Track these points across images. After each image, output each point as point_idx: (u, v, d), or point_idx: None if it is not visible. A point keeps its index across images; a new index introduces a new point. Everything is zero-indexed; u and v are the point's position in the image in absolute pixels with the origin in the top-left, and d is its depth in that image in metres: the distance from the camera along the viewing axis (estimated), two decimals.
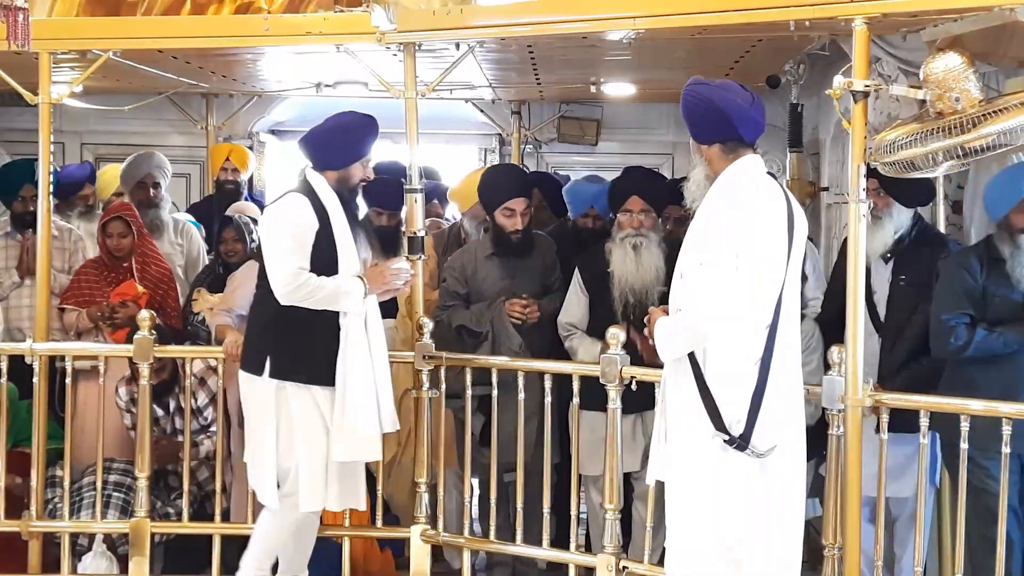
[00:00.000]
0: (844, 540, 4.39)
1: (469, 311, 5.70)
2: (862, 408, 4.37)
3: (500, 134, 9.28)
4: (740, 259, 3.92)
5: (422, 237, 5.55)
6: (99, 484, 5.56)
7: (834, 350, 4.45)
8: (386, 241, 5.78)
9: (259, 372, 4.88)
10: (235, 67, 7.33)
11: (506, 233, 5.73)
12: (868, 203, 4.31)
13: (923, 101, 4.28)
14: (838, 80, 4.22)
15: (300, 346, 4.85)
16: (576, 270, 5.66)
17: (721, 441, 3.97)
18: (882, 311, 5.09)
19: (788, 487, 4.10)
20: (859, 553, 4.36)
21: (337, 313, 4.86)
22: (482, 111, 9.08)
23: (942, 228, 5.51)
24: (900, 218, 5.04)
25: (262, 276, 4.96)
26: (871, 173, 4.48)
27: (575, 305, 5.61)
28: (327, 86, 8.09)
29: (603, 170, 9.14)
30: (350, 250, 4.93)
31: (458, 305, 5.76)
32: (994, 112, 3.98)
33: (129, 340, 5.60)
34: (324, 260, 4.86)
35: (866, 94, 4.23)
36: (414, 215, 5.52)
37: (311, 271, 4.82)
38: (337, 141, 5.04)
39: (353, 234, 4.99)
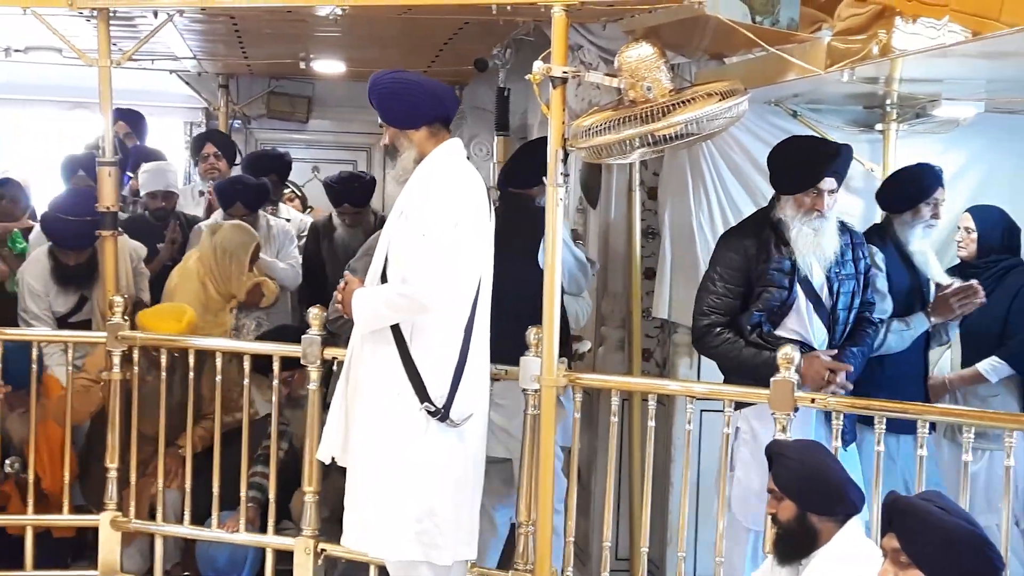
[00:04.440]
0: (537, 518, 4.47)
1: None
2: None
3: (207, 108, 9.00)
4: (456, 232, 4.04)
5: (115, 212, 5.31)
6: None
7: (531, 331, 4.53)
8: None
9: None
10: None
11: None
12: (564, 188, 4.38)
13: (619, 89, 4.40)
14: (538, 65, 4.27)
15: None
16: None
17: (426, 413, 4.05)
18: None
19: (478, 456, 4.27)
20: (551, 531, 4.45)
21: None
22: (188, 84, 8.77)
23: (637, 215, 5.70)
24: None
25: None
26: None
27: None
28: (17, 51, 7.62)
29: (314, 148, 9.11)
30: None
31: None
32: (683, 102, 4.10)
33: None
34: None
35: (564, 80, 4.30)
36: (107, 189, 5.27)
37: None
38: None
39: None
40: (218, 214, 6.68)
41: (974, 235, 5.24)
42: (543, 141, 5.02)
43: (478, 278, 4.18)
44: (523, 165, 5.43)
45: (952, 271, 5.27)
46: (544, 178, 5.11)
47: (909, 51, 3.65)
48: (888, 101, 5.18)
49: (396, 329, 4.10)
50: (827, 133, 5.43)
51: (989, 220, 5.26)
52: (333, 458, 4.35)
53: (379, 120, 4.28)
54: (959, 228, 5.32)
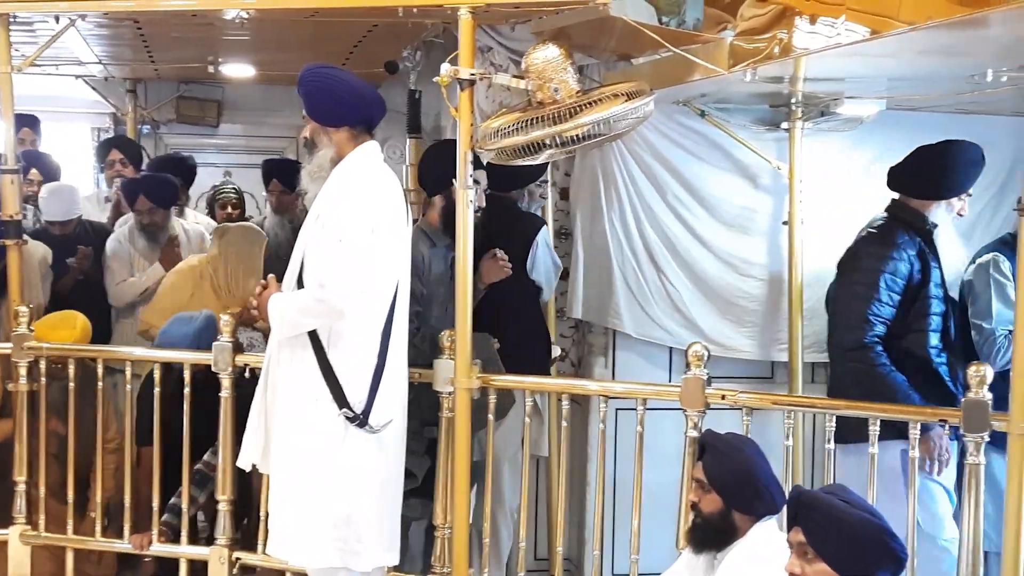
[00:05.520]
0: (453, 520, 4.47)
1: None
2: None
3: (115, 113, 8.86)
4: (373, 237, 4.01)
5: (18, 221, 5.22)
6: None
7: (445, 334, 4.52)
8: None
9: None
10: None
11: None
12: (475, 190, 4.38)
13: (528, 91, 4.41)
14: (445, 68, 4.26)
15: None
16: None
17: (344, 419, 4.02)
18: None
19: (398, 462, 4.24)
20: (467, 532, 4.45)
21: None
22: (95, 89, 8.62)
23: (550, 215, 5.72)
24: None
25: None
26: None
27: None
28: None
29: (226, 152, 9.00)
30: None
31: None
32: (590, 103, 4.12)
33: None
34: None
35: (472, 82, 4.30)
36: (10, 198, 5.17)
37: None
38: None
39: None
40: (126, 217, 6.61)
41: None
42: None
43: (395, 283, 4.15)
44: (502, 167, 5.30)
45: None
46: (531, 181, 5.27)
47: (810, 51, 3.70)
48: (793, 100, 5.25)
49: (313, 335, 4.07)
50: (735, 132, 5.50)
51: None
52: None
53: (303, 111, 4.24)
54: None
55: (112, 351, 5.26)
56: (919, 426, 3.95)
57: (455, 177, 4.71)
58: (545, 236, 5.32)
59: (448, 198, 4.87)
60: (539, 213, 5.57)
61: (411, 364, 4.45)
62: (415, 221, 4.95)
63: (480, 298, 4.93)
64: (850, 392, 4.55)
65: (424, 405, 4.61)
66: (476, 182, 4.83)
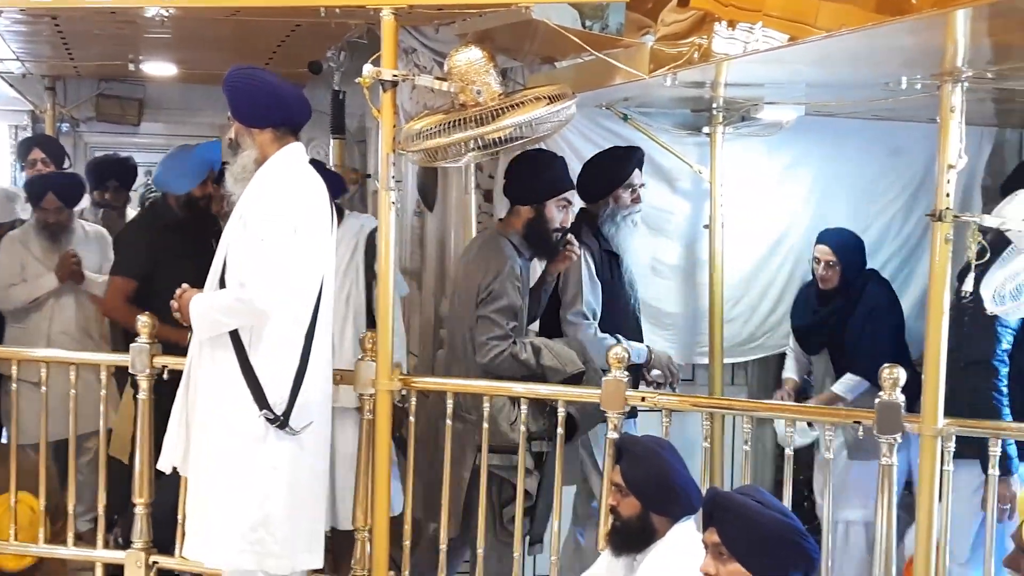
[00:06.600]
0: (373, 523, 4.46)
1: (564, 352, 4.76)
2: None
3: (33, 111, 8.69)
4: (296, 238, 4.00)
5: None
6: None
7: (367, 335, 4.51)
8: None
9: None
10: None
11: (551, 229, 4.86)
12: (396, 191, 4.37)
13: (451, 92, 4.41)
14: (367, 69, 4.25)
15: None
16: None
17: (264, 420, 4.00)
18: None
19: (319, 464, 4.23)
20: (388, 536, 4.44)
21: None
22: (12, 86, 8.45)
23: (474, 218, 5.71)
24: None
25: None
26: None
27: None
28: None
29: (148, 151, 8.88)
30: None
31: (524, 340, 4.79)
32: (512, 106, 4.15)
33: None
34: None
35: (395, 83, 4.28)
36: None
37: None
38: None
39: None
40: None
41: (837, 268, 5.31)
42: (608, 153, 5.09)
43: (319, 284, 4.14)
44: (592, 178, 5.14)
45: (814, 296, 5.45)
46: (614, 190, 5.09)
47: (729, 56, 3.74)
48: (714, 105, 5.31)
49: (235, 335, 4.05)
50: (656, 136, 5.55)
51: (847, 248, 5.34)
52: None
53: (228, 113, 4.23)
54: (817, 260, 5.39)
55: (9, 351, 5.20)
56: (837, 430, 4.01)
57: (547, 192, 4.80)
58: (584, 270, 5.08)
59: (537, 211, 4.83)
60: (632, 223, 5.19)
61: (515, 376, 4.57)
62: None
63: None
64: (962, 411, 4.12)
65: (529, 416, 4.56)
66: (568, 202, 4.89)
